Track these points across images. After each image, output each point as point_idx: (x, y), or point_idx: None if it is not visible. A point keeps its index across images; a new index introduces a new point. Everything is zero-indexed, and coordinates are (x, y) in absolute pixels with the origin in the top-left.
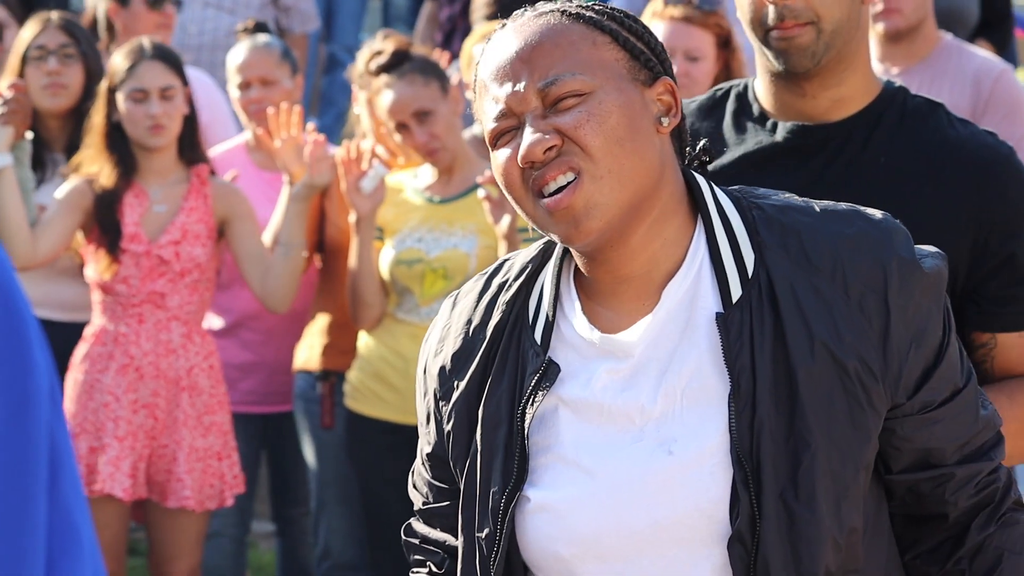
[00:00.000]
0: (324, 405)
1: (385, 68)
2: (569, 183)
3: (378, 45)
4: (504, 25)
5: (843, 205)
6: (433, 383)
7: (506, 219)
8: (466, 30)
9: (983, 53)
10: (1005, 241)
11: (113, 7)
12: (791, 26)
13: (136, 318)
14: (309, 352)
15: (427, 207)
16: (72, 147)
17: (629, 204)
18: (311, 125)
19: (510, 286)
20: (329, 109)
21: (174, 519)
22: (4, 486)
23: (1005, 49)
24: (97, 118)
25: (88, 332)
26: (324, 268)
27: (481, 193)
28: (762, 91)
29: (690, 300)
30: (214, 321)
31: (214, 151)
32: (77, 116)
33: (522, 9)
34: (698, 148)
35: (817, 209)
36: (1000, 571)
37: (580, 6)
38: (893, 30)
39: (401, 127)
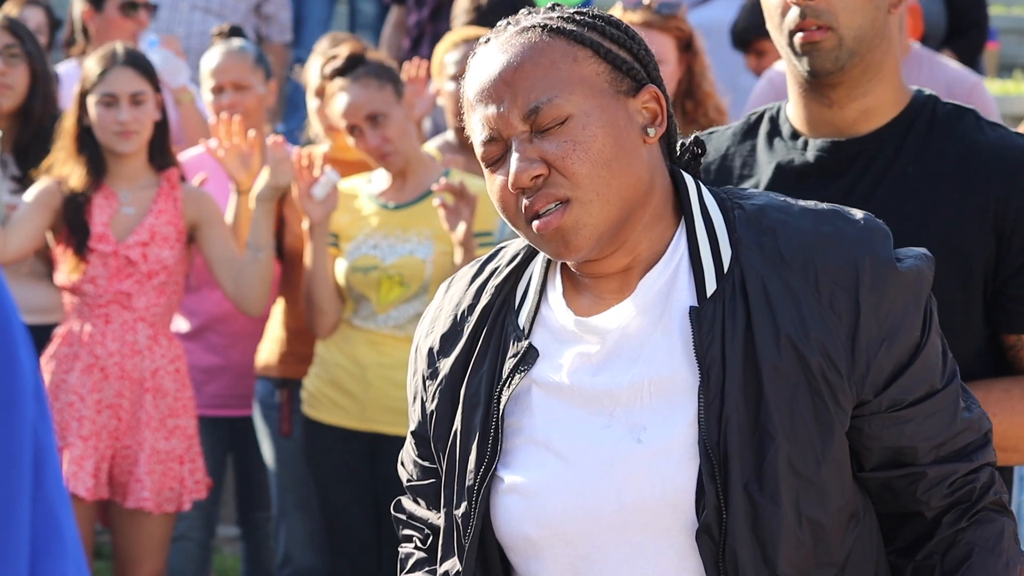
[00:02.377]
0: (282, 412)
1: (340, 72)
2: (558, 206)
3: (333, 49)
4: (488, 40)
5: (825, 205)
6: (422, 363)
7: (462, 226)
8: (434, 35)
9: (954, 65)
10: None
11: (88, 11)
12: (812, 26)
13: (103, 318)
14: (268, 358)
15: (382, 213)
16: (19, 147)
17: (617, 219)
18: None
19: (501, 271)
20: (295, 113)
21: (137, 522)
22: None
23: (972, 59)
24: (68, 121)
25: (57, 332)
26: (283, 275)
27: (436, 201)
28: (792, 109)
29: (666, 293)
30: (180, 324)
31: (185, 155)
32: (23, 116)
33: (506, 21)
34: (688, 143)
35: (796, 208)
36: (969, 566)
37: (562, 18)
38: None
39: (354, 130)
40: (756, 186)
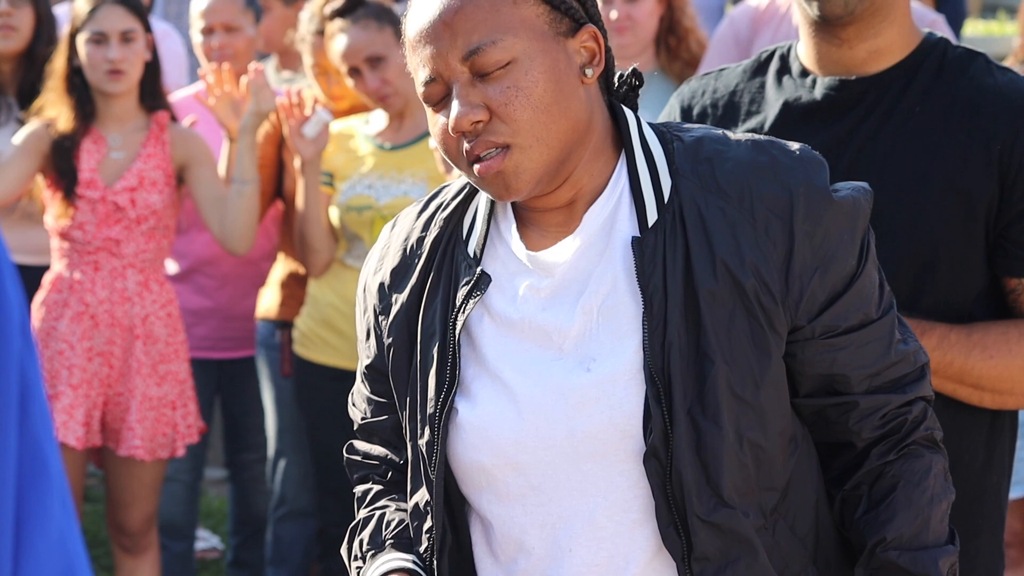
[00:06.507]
0: (283, 353)
1: (340, 12)
2: (498, 151)
3: (328, 6)
4: None
5: (762, 136)
6: (373, 299)
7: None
8: None
9: (914, 3)
10: None
11: None
12: None
13: (92, 265)
14: (271, 300)
15: (378, 153)
16: (24, 90)
17: (558, 160)
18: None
19: (447, 205)
20: None
21: (128, 467)
22: None
23: None
24: (58, 62)
25: (46, 279)
26: (284, 218)
27: (433, 142)
28: (803, 48)
29: (610, 225)
30: (170, 266)
31: (173, 97)
32: (28, 59)
33: None
34: (627, 75)
35: (733, 139)
36: (893, 499)
37: None
38: None
39: (353, 72)
40: (763, 123)
